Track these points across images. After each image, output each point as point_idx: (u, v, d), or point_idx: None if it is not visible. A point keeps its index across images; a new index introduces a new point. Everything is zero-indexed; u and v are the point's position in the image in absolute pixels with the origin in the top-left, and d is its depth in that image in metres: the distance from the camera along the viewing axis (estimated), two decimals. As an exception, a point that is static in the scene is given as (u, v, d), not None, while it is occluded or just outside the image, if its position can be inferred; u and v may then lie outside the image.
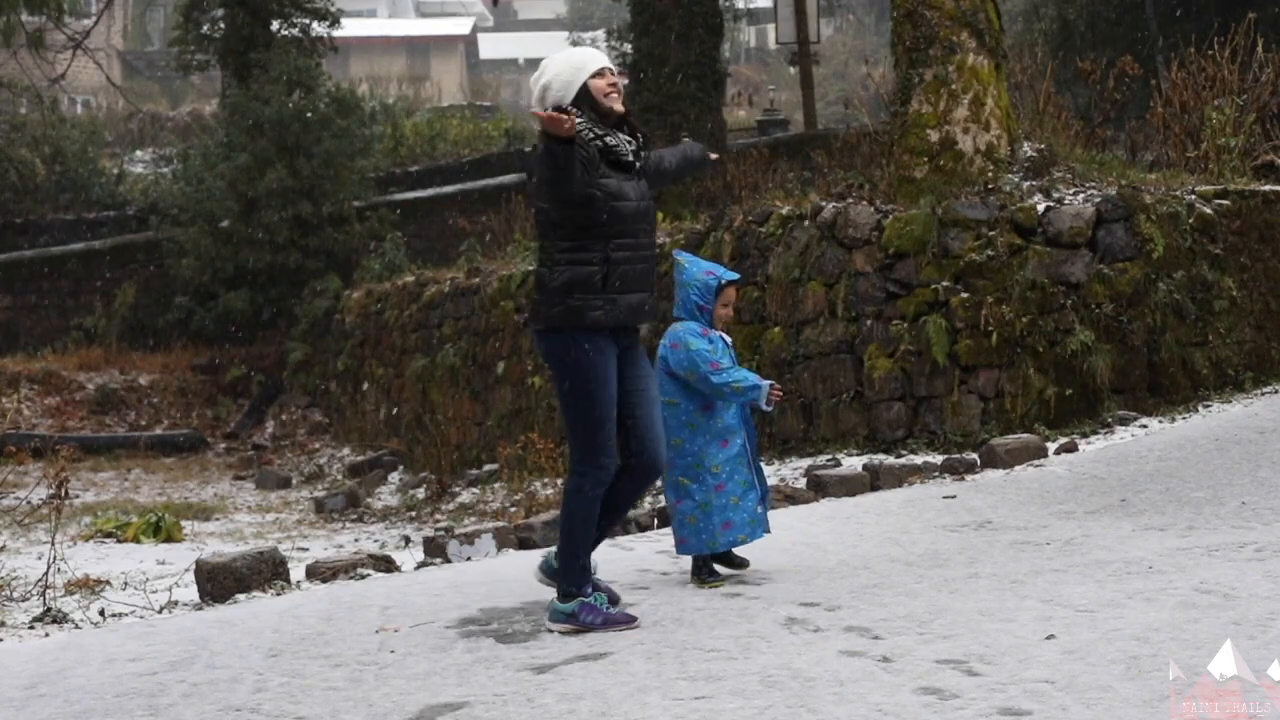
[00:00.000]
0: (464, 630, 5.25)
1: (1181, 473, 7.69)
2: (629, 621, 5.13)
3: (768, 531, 6.17)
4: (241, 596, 6.46)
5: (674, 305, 6.19)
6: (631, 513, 8.53)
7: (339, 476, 16.98)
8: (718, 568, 6.07)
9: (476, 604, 5.73)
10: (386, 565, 7.08)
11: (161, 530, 11.52)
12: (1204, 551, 5.79)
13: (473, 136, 26.82)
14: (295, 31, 23.56)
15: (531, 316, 5.24)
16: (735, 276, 6.26)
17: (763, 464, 6.55)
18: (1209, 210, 10.45)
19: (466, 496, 13.43)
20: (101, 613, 6.36)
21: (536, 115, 4.93)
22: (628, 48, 20.20)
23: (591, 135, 5.03)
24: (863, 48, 36.84)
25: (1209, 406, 9.64)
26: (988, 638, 4.68)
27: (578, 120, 4.92)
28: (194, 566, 6.81)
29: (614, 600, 5.35)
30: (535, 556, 7.17)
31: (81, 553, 9.83)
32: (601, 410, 5.10)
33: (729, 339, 6.17)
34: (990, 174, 10.14)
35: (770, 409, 6.03)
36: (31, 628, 6.09)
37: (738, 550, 6.16)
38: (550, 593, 5.46)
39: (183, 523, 12.22)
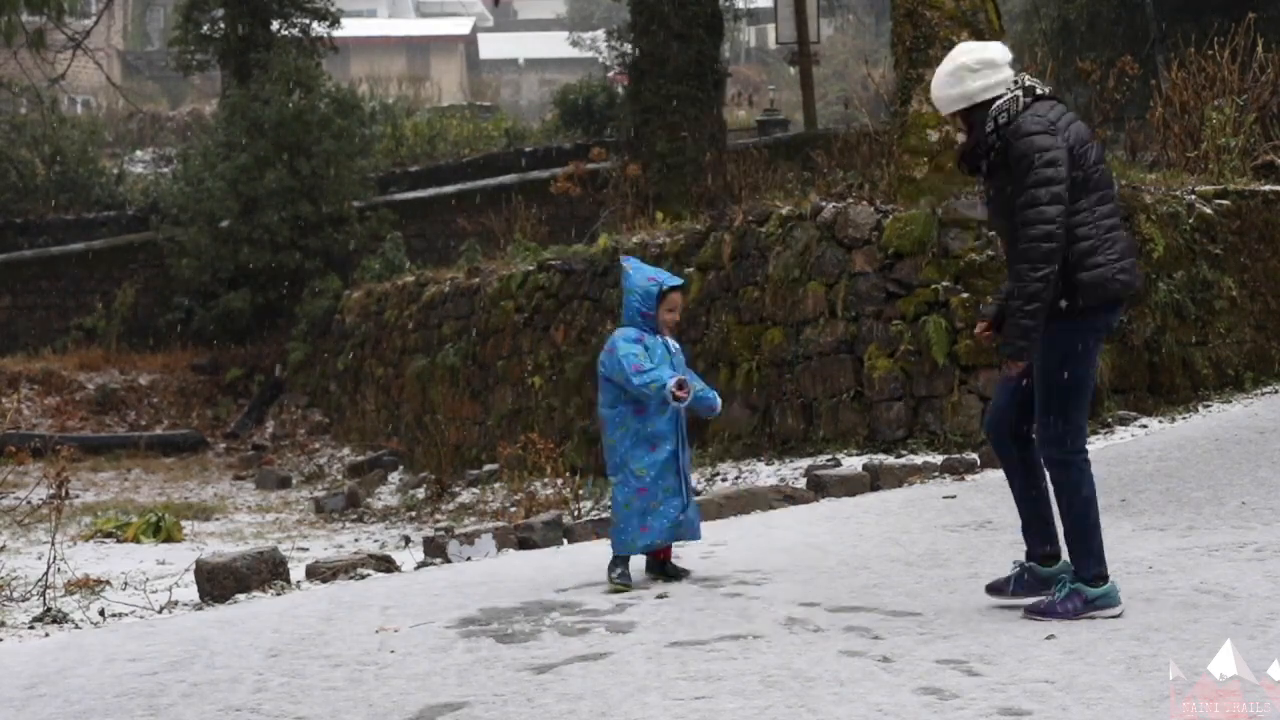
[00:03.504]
0: (464, 630, 5.25)
1: (1181, 473, 7.69)
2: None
3: (695, 538, 6.28)
4: (241, 596, 6.46)
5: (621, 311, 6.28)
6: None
7: (339, 476, 16.97)
8: (648, 576, 6.16)
9: (476, 604, 5.73)
10: (386, 565, 7.08)
11: (161, 530, 11.51)
12: (1204, 551, 5.79)
13: (473, 136, 26.82)
14: (295, 31, 23.56)
15: None
16: (678, 282, 6.34)
17: (706, 473, 6.67)
18: (1209, 210, 10.45)
19: (466, 496, 13.42)
20: (101, 613, 6.36)
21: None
22: (628, 48, 20.19)
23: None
24: (863, 48, 36.84)
25: (1209, 406, 9.65)
26: (988, 638, 4.68)
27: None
28: (194, 566, 6.81)
29: None
30: (536, 556, 7.18)
31: (81, 553, 9.83)
32: None
33: (675, 344, 6.28)
34: (990, 174, 10.13)
35: (676, 405, 6.04)
36: (31, 628, 6.09)
37: (679, 562, 6.29)
38: (548, 593, 5.44)
39: (183, 523, 12.21)
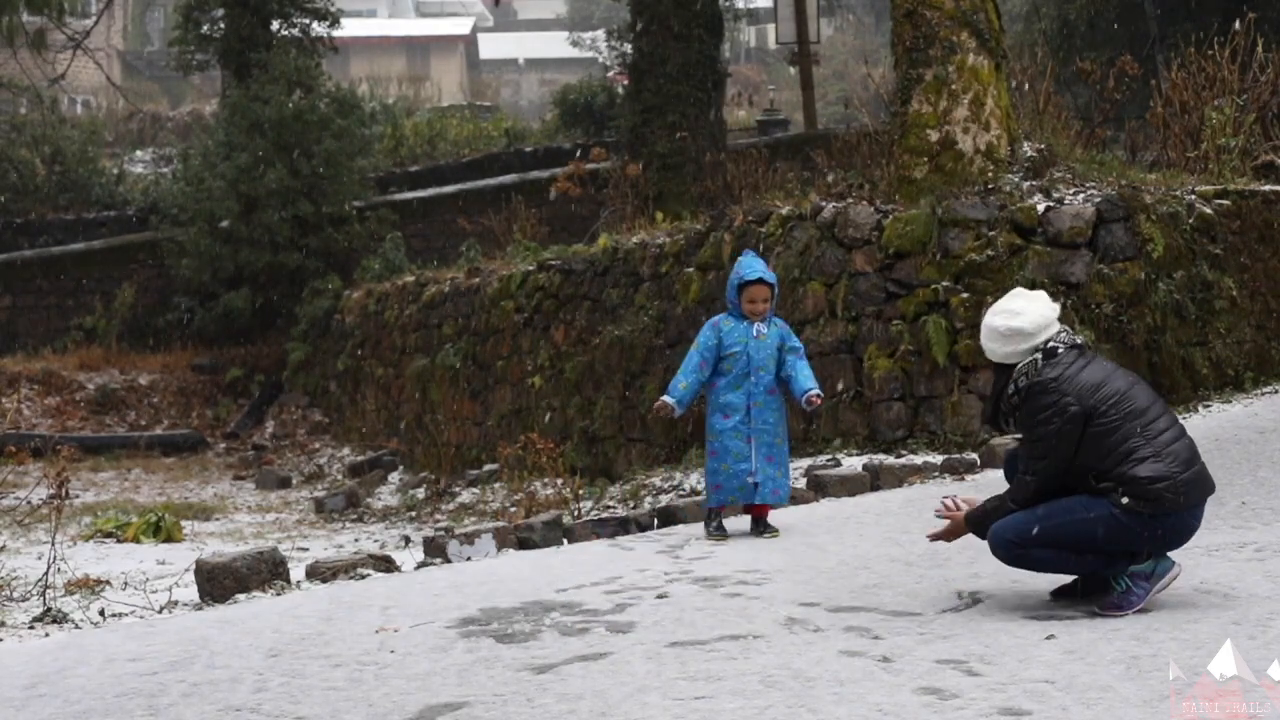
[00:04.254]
0: (464, 630, 5.25)
1: (1181, 473, 7.67)
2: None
3: (775, 502, 7.14)
4: (241, 596, 6.46)
5: None
6: (632, 513, 8.54)
7: (339, 476, 16.98)
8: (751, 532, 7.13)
9: (476, 604, 5.73)
10: (386, 565, 7.08)
11: (161, 530, 11.51)
12: (1204, 551, 5.79)
13: (473, 136, 26.83)
14: (295, 31, 23.57)
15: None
16: (754, 276, 7.13)
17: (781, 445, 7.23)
18: (1209, 210, 10.45)
19: (466, 496, 13.43)
20: (101, 613, 6.36)
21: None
22: (628, 48, 20.19)
23: None
24: (863, 48, 36.84)
25: (1209, 406, 9.64)
26: (988, 638, 4.69)
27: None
28: (194, 566, 6.81)
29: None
30: (536, 556, 7.18)
31: (81, 553, 9.83)
32: None
33: (768, 328, 7.13)
34: (990, 174, 10.14)
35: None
36: (31, 628, 6.08)
37: (772, 521, 7.19)
38: (548, 593, 5.41)
39: (183, 523, 12.21)
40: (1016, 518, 5.04)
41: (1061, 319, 5.25)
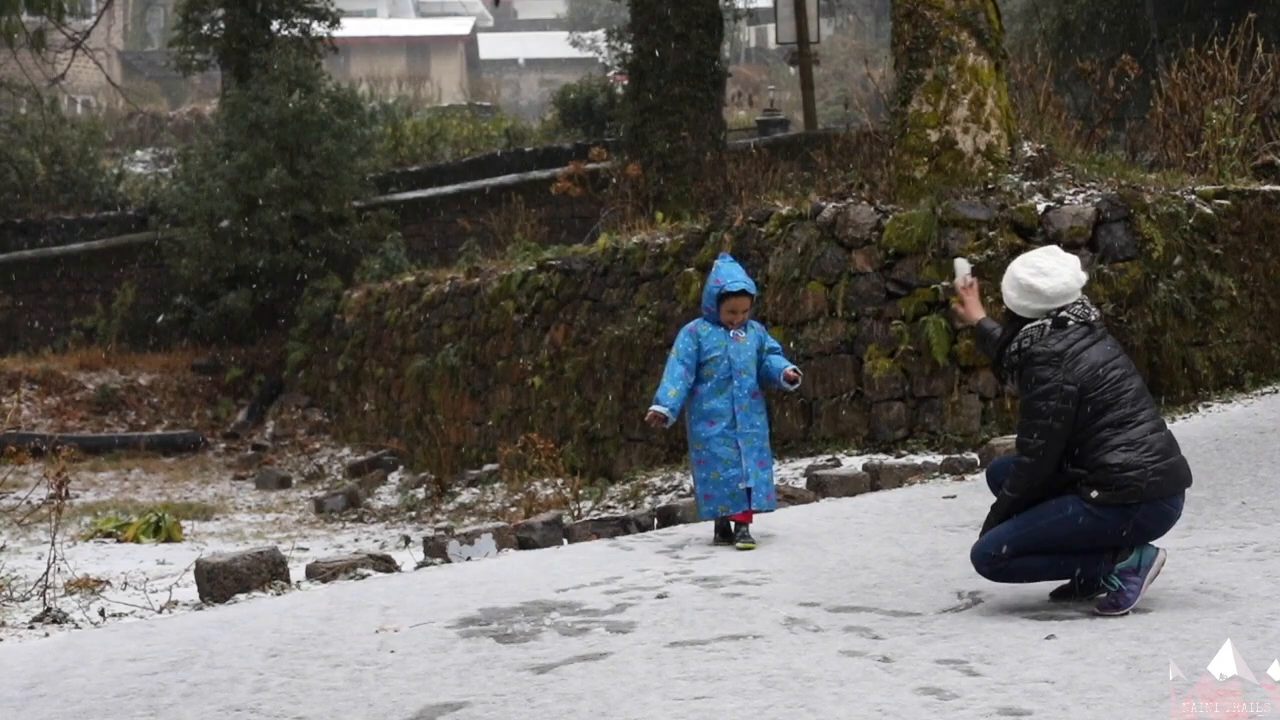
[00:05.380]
0: (464, 630, 5.25)
1: (1181, 473, 7.67)
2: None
3: (764, 508, 6.92)
4: (241, 596, 6.46)
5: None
6: (632, 513, 8.54)
7: (339, 476, 16.97)
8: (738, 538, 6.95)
9: (476, 604, 5.73)
10: (386, 565, 7.08)
11: (161, 530, 11.51)
12: (1204, 551, 5.79)
13: (473, 136, 26.82)
14: (295, 31, 23.57)
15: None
16: (737, 288, 6.93)
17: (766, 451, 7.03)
18: (1209, 210, 10.45)
19: (466, 496, 13.43)
20: (101, 613, 6.36)
21: None
22: (628, 48, 20.18)
23: None
24: (863, 48, 36.82)
25: (1209, 406, 9.64)
26: (988, 638, 4.69)
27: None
28: (194, 566, 6.81)
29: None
30: (536, 556, 7.18)
31: (81, 553, 9.82)
32: None
33: (745, 332, 6.96)
34: (990, 174, 10.14)
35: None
36: (31, 628, 6.09)
37: (770, 520, 7.10)
38: (548, 593, 5.39)
39: (183, 523, 12.21)
40: (993, 532, 5.04)
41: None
